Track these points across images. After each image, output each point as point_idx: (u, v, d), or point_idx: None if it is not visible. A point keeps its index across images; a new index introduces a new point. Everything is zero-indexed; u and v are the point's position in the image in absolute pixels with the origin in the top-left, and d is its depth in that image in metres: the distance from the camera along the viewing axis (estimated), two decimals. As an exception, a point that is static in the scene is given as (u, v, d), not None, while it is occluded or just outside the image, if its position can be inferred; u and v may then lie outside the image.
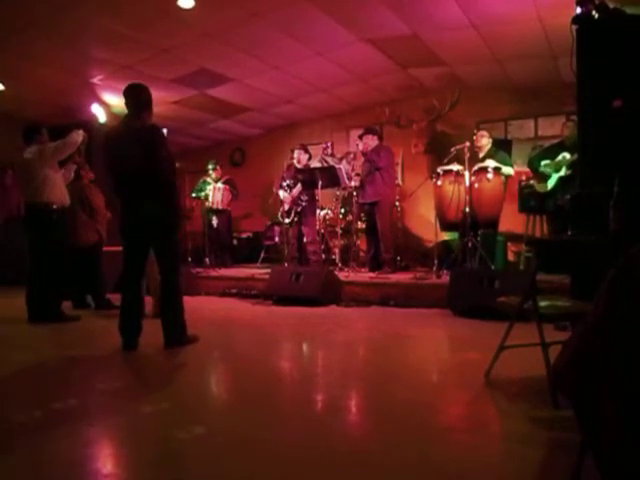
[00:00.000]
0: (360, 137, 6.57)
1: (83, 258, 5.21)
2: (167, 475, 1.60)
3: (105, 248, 5.46)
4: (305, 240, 6.77)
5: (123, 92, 3.43)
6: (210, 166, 7.81)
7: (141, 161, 3.28)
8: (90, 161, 5.42)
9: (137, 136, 3.31)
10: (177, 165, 3.80)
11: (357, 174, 6.54)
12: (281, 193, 6.95)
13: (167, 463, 1.68)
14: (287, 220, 6.91)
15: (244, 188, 8.43)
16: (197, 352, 3.39)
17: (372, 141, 6.44)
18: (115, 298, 5.36)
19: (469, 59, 6.38)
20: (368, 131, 6.53)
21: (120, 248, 3.56)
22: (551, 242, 3.10)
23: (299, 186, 6.67)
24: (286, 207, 6.89)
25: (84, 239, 5.25)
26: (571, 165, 5.11)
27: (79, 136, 4.52)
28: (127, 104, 3.41)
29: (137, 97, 3.41)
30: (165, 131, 3.53)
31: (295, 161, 7.00)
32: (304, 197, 6.67)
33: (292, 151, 7.33)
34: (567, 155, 5.18)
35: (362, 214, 6.93)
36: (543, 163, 5.39)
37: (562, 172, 5.23)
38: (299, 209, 6.71)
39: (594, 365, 1.09)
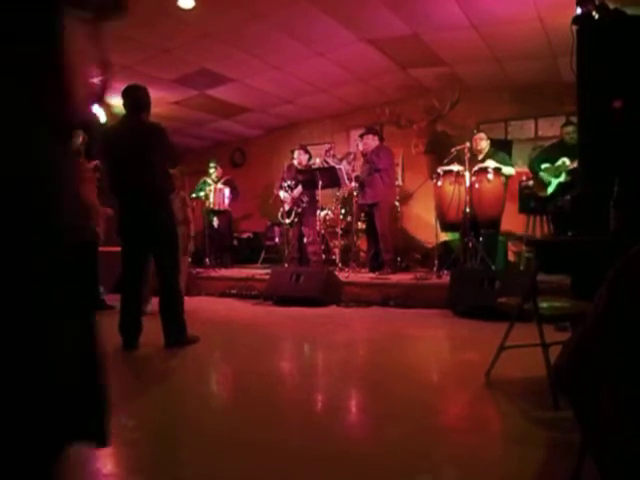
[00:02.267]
0: (361, 136, 6.57)
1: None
2: (166, 475, 1.60)
3: (104, 248, 5.43)
4: (305, 241, 6.78)
5: (122, 93, 3.43)
6: (211, 164, 7.84)
7: (142, 160, 3.32)
8: (89, 161, 5.41)
9: (138, 135, 3.35)
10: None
11: (357, 176, 6.53)
12: (282, 194, 6.95)
13: (166, 463, 1.68)
14: (287, 221, 6.92)
15: (244, 188, 8.44)
16: (197, 352, 3.39)
17: (373, 141, 6.43)
18: (116, 299, 5.37)
19: (469, 59, 6.38)
20: (369, 131, 6.53)
21: (119, 248, 3.55)
22: (551, 242, 3.10)
23: (300, 187, 6.68)
24: (286, 207, 6.89)
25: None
26: (570, 172, 5.10)
27: (78, 137, 4.52)
28: (125, 104, 3.43)
29: (136, 98, 3.44)
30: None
31: (295, 162, 7.01)
32: (305, 198, 6.68)
33: (292, 152, 7.34)
34: (567, 161, 5.17)
35: (362, 215, 6.93)
36: (543, 167, 5.38)
37: (562, 178, 5.22)
38: (299, 210, 6.72)
39: (594, 365, 1.09)
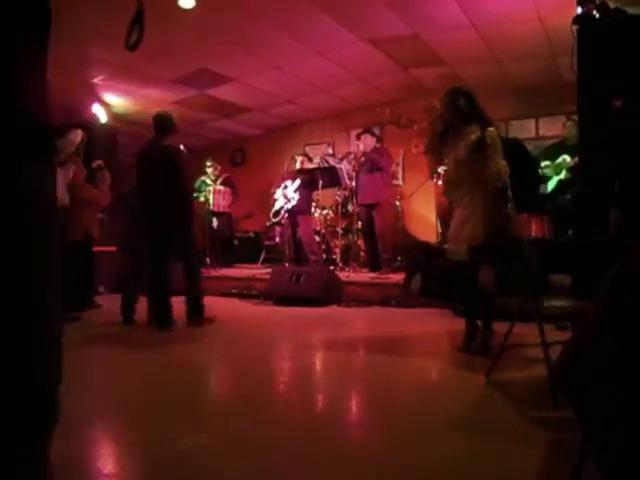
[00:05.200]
0: (358, 136, 6.61)
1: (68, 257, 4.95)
2: (167, 474, 1.60)
3: (104, 248, 5.40)
4: (302, 240, 6.77)
5: (152, 118, 4.22)
6: (208, 163, 7.83)
7: (165, 175, 4.01)
8: (89, 161, 5.39)
9: (161, 153, 4.10)
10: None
11: (355, 172, 6.52)
12: (278, 191, 6.96)
13: (166, 462, 1.68)
14: (275, 219, 6.92)
15: (244, 188, 8.43)
16: (197, 352, 3.39)
17: (370, 141, 6.45)
18: (116, 299, 5.36)
19: (469, 59, 6.38)
20: (367, 131, 6.55)
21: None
22: (552, 242, 3.10)
23: (297, 182, 6.66)
24: (277, 205, 6.88)
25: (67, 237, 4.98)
26: (571, 169, 5.10)
27: (77, 136, 4.53)
28: (154, 127, 4.20)
29: (162, 123, 4.20)
30: (182, 147, 4.26)
31: (298, 167, 7.01)
32: (297, 196, 6.64)
33: (294, 158, 7.30)
34: (567, 158, 5.17)
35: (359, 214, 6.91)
36: (543, 164, 5.39)
37: (562, 175, 5.22)
38: (289, 206, 6.68)
39: (594, 365, 1.09)
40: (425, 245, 5.19)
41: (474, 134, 3.02)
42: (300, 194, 6.65)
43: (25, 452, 0.85)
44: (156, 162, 4.07)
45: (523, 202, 2.96)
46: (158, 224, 4.11)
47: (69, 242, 4.92)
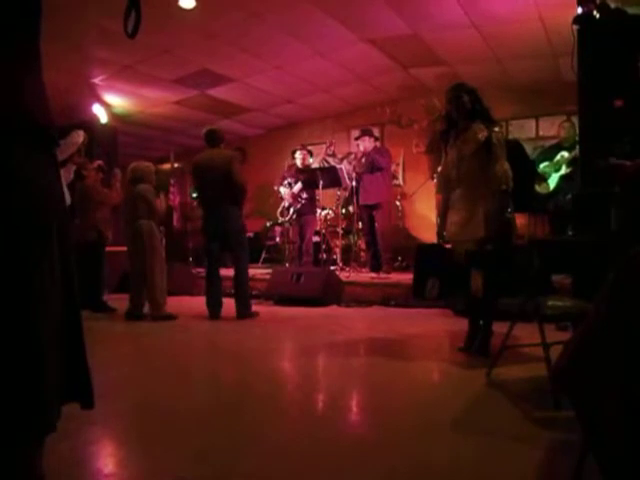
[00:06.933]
0: (356, 139, 6.64)
1: (81, 257, 5.06)
2: (168, 474, 1.60)
3: (108, 248, 5.39)
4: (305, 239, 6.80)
5: (204, 134, 4.74)
6: None
7: (222, 176, 4.48)
8: (90, 161, 5.40)
9: (215, 161, 4.58)
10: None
11: (356, 174, 6.52)
12: (282, 189, 6.96)
13: (167, 462, 1.68)
14: (286, 218, 6.92)
15: (244, 188, 8.39)
16: (199, 352, 3.39)
17: (369, 143, 6.45)
18: (117, 298, 5.35)
19: (470, 59, 6.37)
20: (365, 133, 6.55)
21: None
22: (553, 242, 3.10)
23: (300, 184, 6.68)
24: (286, 204, 6.90)
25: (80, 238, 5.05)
26: (570, 162, 5.11)
27: (79, 137, 4.53)
28: (207, 140, 4.72)
29: (214, 135, 4.73)
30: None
31: (298, 162, 7.01)
32: (304, 195, 6.68)
33: (293, 152, 7.31)
34: (565, 154, 5.18)
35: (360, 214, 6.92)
36: (542, 165, 5.39)
37: (562, 171, 5.23)
38: (298, 206, 6.71)
39: (595, 365, 1.09)
40: (437, 248, 5.17)
41: (481, 133, 2.95)
42: (306, 193, 6.68)
43: (6, 456, 0.83)
44: (221, 167, 4.50)
45: (523, 203, 2.95)
46: (217, 222, 4.56)
47: (80, 242, 4.94)
